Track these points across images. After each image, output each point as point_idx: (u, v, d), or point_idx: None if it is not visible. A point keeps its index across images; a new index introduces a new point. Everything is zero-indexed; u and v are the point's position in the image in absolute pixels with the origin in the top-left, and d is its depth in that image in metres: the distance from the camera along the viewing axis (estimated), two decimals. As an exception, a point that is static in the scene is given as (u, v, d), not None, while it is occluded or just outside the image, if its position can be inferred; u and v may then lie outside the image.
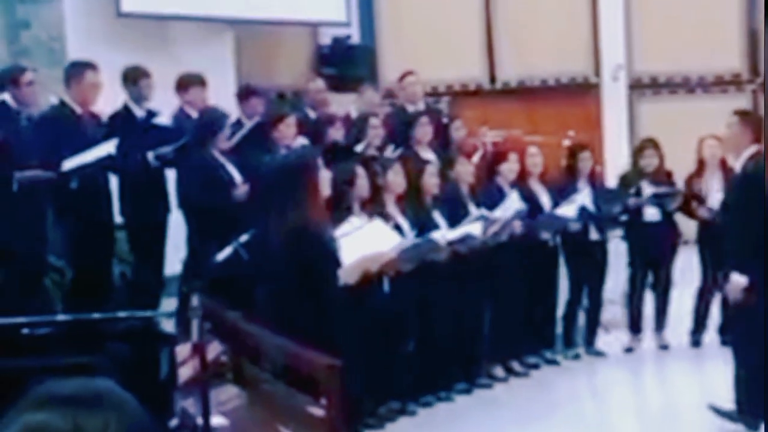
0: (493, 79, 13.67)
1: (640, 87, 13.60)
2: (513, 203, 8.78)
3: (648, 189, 9.52)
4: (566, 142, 10.23)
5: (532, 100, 13.40)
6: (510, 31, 13.45)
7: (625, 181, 9.74)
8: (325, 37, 12.97)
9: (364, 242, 6.60)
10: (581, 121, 12.19)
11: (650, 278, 9.76)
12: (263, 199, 6.02)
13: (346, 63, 12.51)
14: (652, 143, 9.84)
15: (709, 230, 9.24)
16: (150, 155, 8.38)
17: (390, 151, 9.29)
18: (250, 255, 5.94)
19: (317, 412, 4.39)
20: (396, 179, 8.05)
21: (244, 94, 9.52)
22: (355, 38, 13.17)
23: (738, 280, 6.91)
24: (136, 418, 1.50)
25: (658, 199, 9.52)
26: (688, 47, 13.09)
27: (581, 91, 13.51)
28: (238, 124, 9.09)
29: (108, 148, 7.89)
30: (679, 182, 9.67)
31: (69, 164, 7.69)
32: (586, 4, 13.42)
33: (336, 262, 5.58)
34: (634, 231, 9.67)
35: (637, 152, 9.87)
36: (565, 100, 13.33)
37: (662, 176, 9.65)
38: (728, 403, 7.07)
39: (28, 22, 9.56)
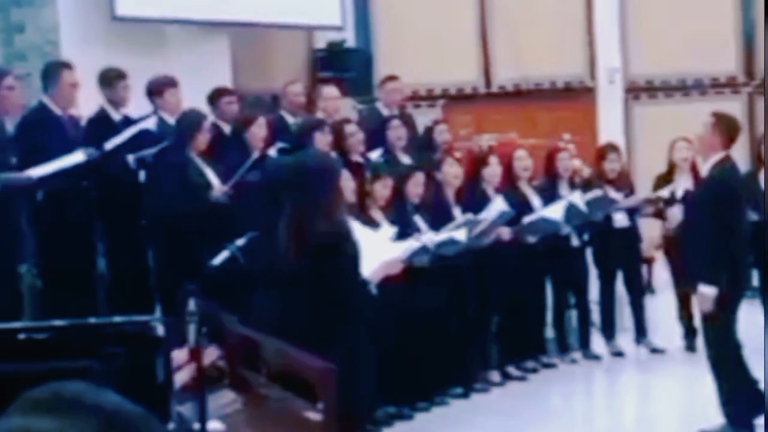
0: (488, 83, 13.67)
1: (636, 90, 13.62)
2: (497, 206, 8.75)
3: (614, 195, 9.54)
4: (560, 144, 10.25)
5: (528, 104, 13.40)
6: (506, 35, 13.45)
7: (589, 186, 9.70)
8: (320, 41, 12.97)
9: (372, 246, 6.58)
10: (577, 125, 12.19)
11: (623, 284, 9.80)
12: (268, 202, 5.96)
13: (341, 67, 12.50)
14: (614, 148, 9.92)
15: (673, 235, 9.28)
16: (130, 158, 8.25)
17: (376, 155, 9.22)
18: (253, 258, 5.89)
19: (314, 416, 4.36)
20: (384, 192, 8.04)
21: (215, 96, 9.32)
22: (350, 42, 13.17)
23: (707, 292, 6.87)
24: (118, 421, 1.48)
25: (631, 211, 9.57)
26: (684, 50, 13.10)
27: (577, 95, 13.52)
28: (215, 127, 8.98)
29: (78, 157, 7.72)
30: (642, 189, 9.73)
31: (36, 172, 7.55)
32: (582, 7, 13.44)
33: (359, 266, 5.55)
34: (603, 237, 9.65)
35: (600, 157, 9.87)
36: (560, 103, 13.33)
37: (625, 182, 9.70)
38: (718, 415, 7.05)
39: (23, 26, 9.53)
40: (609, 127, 13.21)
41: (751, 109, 12.91)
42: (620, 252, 9.67)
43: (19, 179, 7.47)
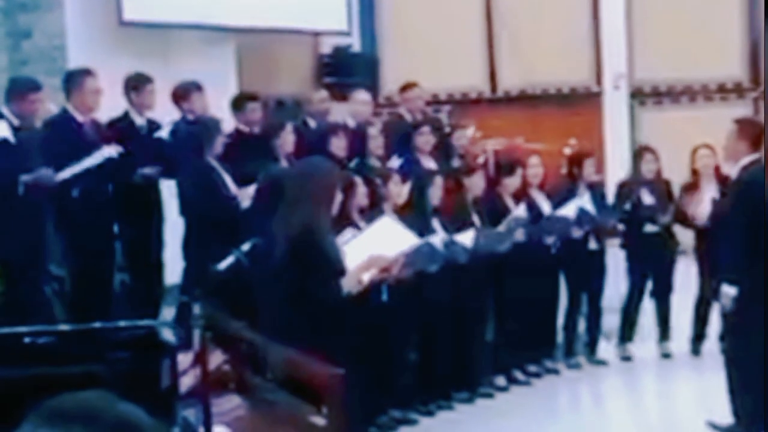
0: (494, 88, 13.68)
1: (642, 95, 13.62)
2: (519, 214, 8.82)
3: (647, 199, 9.52)
4: (567, 150, 10.24)
5: (534, 109, 13.41)
6: (511, 40, 13.47)
7: (625, 188, 9.72)
8: (327, 46, 12.99)
9: (372, 244, 6.57)
10: (583, 130, 12.18)
11: (650, 287, 9.76)
12: (271, 206, 5.99)
13: (347, 72, 12.52)
14: (649, 149, 9.88)
15: (705, 239, 9.25)
16: (139, 171, 8.31)
17: (394, 161, 9.27)
18: (254, 263, 5.92)
19: (319, 421, 4.38)
20: (396, 189, 8.05)
21: (241, 101, 9.40)
22: (357, 47, 13.18)
23: (727, 291, 6.88)
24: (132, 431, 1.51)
25: (650, 212, 9.53)
26: (690, 56, 13.10)
27: (583, 100, 13.52)
28: (237, 132, 9.03)
29: (109, 151, 7.84)
30: (677, 192, 9.69)
31: (69, 171, 7.65)
32: (588, 12, 13.45)
33: (339, 271, 5.57)
34: (634, 241, 9.66)
35: (637, 158, 9.86)
36: (566, 108, 13.33)
37: (661, 185, 9.67)
38: (727, 415, 7.04)
39: (30, 31, 9.55)
40: (615, 133, 13.23)
41: (757, 114, 12.89)
42: (650, 256, 9.64)
43: (43, 178, 7.49)
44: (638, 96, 13.61)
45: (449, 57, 13.30)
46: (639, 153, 9.97)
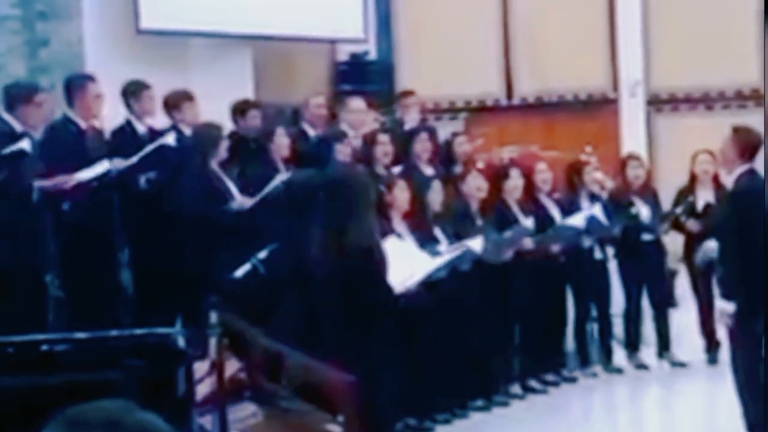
0: (510, 95, 13.67)
1: (659, 103, 13.58)
2: (525, 224, 8.83)
3: (643, 209, 9.54)
4: (583, 157, 10.25)
5: (550, 116, 13.38)
6: (528, 47, 13.45)
7: (617, 197, 9.72)
8: (343, 54, 12.99)
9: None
10: (599, 137, 12.17)
11: (648, 297, 9.78)
12: (300, 213, 5.98)
13: (363, 79, 12.52)
14: (633, 156, 10.04)
15: (696, 246, 9.24)
16: (142, 179, 8.23)
17: (395, 168, 9.24)
18: (280, 269, 5.92)
19: (335, 429, 4.38)
20: (402, 195, 8.04)
21: (242, 108, 9.32)
22: (373, 54, 13.18)
23: (724, 308, 6.85)
24: None
25: (647, 221, 9.56)
26: (707, 62, 13.06)
27: (599, 107, 13.50)
28: (240, 138, 8.98)
29: (105, 165, 7.72)
30: (665, 202, 9.71)
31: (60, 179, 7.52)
32: (604, 19, 13.42)
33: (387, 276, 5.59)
34: (629, 250, 9.64)
35: (623, 166, 9.89)
36: (583, 115, 13.31)
37: (650, 193, 9.69)
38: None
39: (48, 40, 9.57)
40: (631, 140, 13.17)
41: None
42: (646, 265, 9.64)
43: (56, 185, 7.45)
44: (655, 103, 13.57)
45: (465, 64, 13.28)
46: (624, 161, 10.01)
